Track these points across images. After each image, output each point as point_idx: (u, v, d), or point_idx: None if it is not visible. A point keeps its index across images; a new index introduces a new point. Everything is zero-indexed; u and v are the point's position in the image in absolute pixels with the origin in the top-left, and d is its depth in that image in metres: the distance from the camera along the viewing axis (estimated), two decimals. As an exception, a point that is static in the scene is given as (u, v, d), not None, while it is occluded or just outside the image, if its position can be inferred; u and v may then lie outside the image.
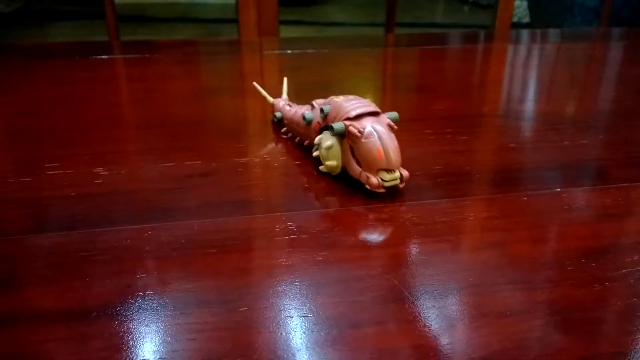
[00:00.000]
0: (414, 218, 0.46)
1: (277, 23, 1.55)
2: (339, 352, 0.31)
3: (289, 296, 0.36)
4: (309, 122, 0.53)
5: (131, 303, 0.35)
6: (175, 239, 0.42)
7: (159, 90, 0.80)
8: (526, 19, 3.51)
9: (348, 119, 0.46)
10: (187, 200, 0.48)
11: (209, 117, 0.70)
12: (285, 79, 0.68)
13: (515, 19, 3.34)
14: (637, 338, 0.32)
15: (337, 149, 0.47)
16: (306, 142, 0.56)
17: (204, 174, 0.53)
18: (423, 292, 0.36)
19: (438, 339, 0.32)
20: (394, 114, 0.48)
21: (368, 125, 0.45)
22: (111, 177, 0.52)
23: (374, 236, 0.43)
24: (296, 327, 0.33)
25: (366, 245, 0.42)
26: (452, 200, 0.45)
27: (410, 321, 0.34)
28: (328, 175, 0.54)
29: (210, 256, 0.40)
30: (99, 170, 0.53)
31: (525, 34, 1.48)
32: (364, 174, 0.45)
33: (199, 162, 0.55)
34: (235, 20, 1.55)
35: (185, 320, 0.33)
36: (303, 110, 0.56)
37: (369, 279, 0.37)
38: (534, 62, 1.08)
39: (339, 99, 0.48)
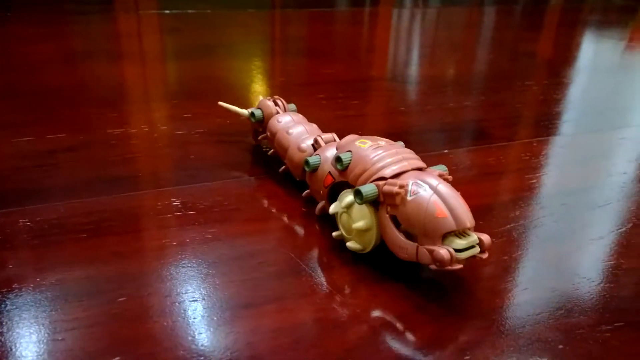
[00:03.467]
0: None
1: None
2: (234, 335, 0.28)
3: (176, 279, 0.32)
4: (312, 170, 0.38)
5: (-19, 305, 0.29)
6: (37, 224, 0.36)
7: (14, 55, 0.70)
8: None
9: (382, 179, 0.32)
10: (50, 180, 0.41)
11: (77, 85, 0.62)
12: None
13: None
14: (523, 289, 0.34)
15: (373, 230, 0.33)
16: (306, 193, 0.40)
17: (70, 148, 0.46)
18: (320, 263, 0.35)
19: (338, 310, 0.31)
20: (441, 167, 0.35)
21: (410, 179, 0.31)
22: (-47, 156, 0.44)
23: (267, 208, 0.41)
24: (185, 312, 0.30)
25: (259, 219, 0.39)
26: (346, 165, 0.44)
27: (309, 294, 0.32)
28: (214, 145, 0.50)
29: (81, 242, 0.35)
30: (-64, 148, 0.45)
31: (408, -1, 1.51)
32: (424, 248, 0.30)
33: (64, 135, 0.48)
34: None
35: (51, 319, 0.29)
36: (304, 143, 0.40)
37: (263, 254, 0.35)
38: (417, 26, 1.10)
39: (365, 145, 0.34)
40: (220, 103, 0.50)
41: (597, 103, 0.68)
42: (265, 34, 0.95)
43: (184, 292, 0.31)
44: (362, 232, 0.33)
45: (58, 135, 0.48)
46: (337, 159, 0.34)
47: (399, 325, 0.30)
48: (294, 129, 0.41)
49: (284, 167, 0.43)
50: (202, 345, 0.28)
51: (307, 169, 0.38)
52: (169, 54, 0.64)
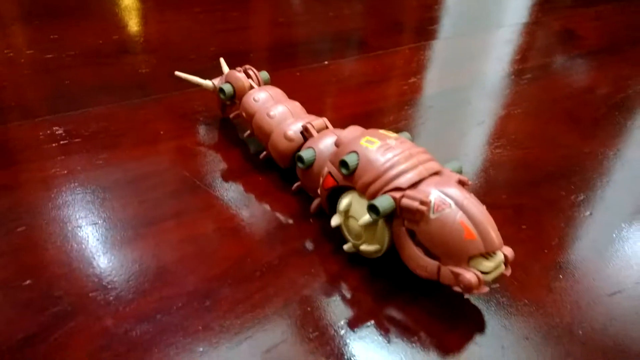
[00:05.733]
0: (196, 106, 0.45)
1: None
2: (139, 250, 0.31)
3: (73, 206, 0.33)
4: (307, 166, 0.33)
5: None
6: None
7: None
8: None
9: (397, 189, 0.28)
10: None
11: None
12: (222, 60, 0.44)
13: None
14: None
15: (381, 229, 0.29)
16: (296, 186, 0.36)
17: None
18: (215, 178, 0.37)
19: (236, 220, 0.34)
20: (456, 165, 0.31)
21: (433, 190, 0.28)
22: None
23: (155, 130, 0.41)
24: (87, 236, 0.31)
25: (148, 141, 0.40)
26: (231, 82, 0.45)
27: (207, 208, 0.34)
28: (89, 67, 0.48)
29: (-38, 179, 0.34)
30: None
31: None
32: (448, 270, 0.27)
33: None
34: None
35: (-53, 257, 0.29)
36: (290, 129, 0.35)
37: (157, 175, 0.37)
38: None
39: (373, 146, 0.30)
40: (177, 73, 0.43)
41: (468, 6, 0.74)
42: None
43: (82, 217, 0.32)
44: (370, 227, 0.30)
45: None
46: (343, 164, 0.30)
47: (291, 227, 0.34)
48: (275, 109, 0.36)
49: (264, 153, 0.38)
50: (110, 261, 0.30)
51: (301, 165, 0.33)
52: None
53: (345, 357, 0.26)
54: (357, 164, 0.29)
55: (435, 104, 0.49)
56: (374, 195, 0.29)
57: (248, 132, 0.39)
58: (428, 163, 0.29)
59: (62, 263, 0.29)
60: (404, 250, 0.29)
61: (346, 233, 0.31)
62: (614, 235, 0.35)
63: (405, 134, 0.32)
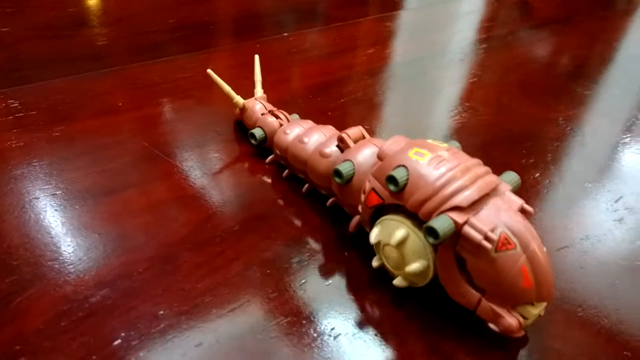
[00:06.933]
0: (155, 78, 0.44)
1: None
2: (99, 219, 0.31)
3: (29, 178, 0.33)
4: (345, 181, 0.30)
5: None
6: None
7: None
8: None
9: (457, 209, 0.25)
10: None
11: None
12: (257, 58, 0.43)
13: None
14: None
15: (414, 240, 0.26)
16: (331, 201, 0.33)
17: None
18: (174, 148, 0.37)
19: (195, 187, 0.34)
20: (513, 177, 0.28)
21: (498, 222, 0.25)
22: None
23: (113, 102, 0.41)
24: (46, 206, 0.31)
25: (108, 112, 0.40)
26: (191, 54, 0.45)
27: (166, 177, 0.35)
28: (47, 41, 0.47)
29: None
30: None
31: None
32: (489, 307, 0.25)
33: None
34: None
35: None
36: (322, 143, 0.33)
37: (116, 146, 0.36)
38: None
39: (424, 159, 0.26)
40: (210, 72, 0.39)
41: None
42: None
43: (40, 188, 0.32)
44: (402, 245, 0.27)
45: None
46: (390, 179, 0.26)
47: (251, 193, 0.34)
48: (309, 136, 0.34)
49: (307, 185, 0.35)
50: (70, 230, 0.30)
51: (338, 181, 0.30)
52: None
53: (304, 315, 0.27)
54: (407, 180, 0.26)
55: (394, 74, 0.50)
56: (428, 216, 0.25)
57: (286, 171, 0.36)
58: (487, 177, 0.26)
59: (20, 233, 0.29)
60: (446, 273, 0.26)
61: (388, 266, 0.28)
62: (562, 194, 0.36)
63: (454, 143, 0.29)
